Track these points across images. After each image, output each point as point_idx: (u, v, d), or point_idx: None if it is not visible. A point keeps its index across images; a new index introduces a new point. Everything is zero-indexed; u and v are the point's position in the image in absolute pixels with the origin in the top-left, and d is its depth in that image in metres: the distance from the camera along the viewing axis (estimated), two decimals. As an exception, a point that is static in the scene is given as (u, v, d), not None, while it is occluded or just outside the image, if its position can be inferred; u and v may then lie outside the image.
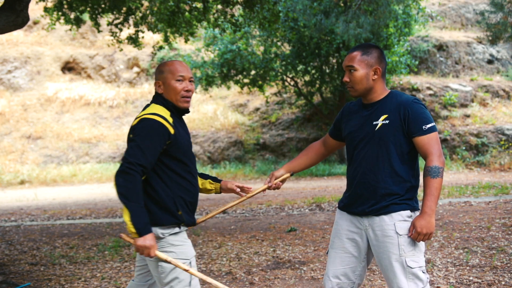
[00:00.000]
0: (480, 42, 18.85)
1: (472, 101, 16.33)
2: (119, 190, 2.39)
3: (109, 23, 9.50)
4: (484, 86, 16.85)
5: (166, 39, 10.08)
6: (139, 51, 18.44)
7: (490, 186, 9.67)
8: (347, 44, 13.75)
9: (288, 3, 12.91)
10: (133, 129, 2.50)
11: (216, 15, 9.46)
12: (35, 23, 22.20)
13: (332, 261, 2.68)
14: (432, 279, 4.14)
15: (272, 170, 15.48)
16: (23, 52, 21.21)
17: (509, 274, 4.13)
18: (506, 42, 16.37)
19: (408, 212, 2.53)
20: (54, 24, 9.54)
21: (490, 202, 7.83)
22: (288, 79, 16.18)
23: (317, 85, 15.73)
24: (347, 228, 2.67)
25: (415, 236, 2.45)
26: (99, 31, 9.76)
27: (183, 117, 2.74)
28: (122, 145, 17.79)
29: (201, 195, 12.21)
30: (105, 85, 21.14)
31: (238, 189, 2.85)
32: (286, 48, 15.75)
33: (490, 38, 12.67)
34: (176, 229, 2.56)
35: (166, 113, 2.58)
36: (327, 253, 2.77)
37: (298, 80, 16.14)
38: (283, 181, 2.87)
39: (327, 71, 15.59)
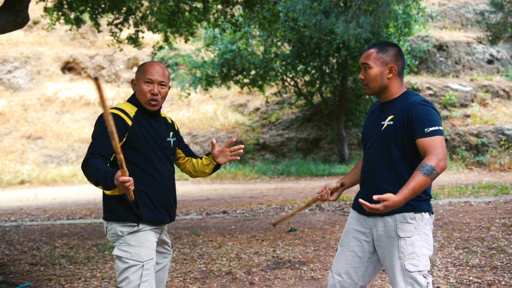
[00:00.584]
0: (480, 42, 18.85)
1: (472, 101, 16.33)
2: (87, 176, 2.44)
3: (109, 23, 9.50)
4: (484, 86, 16.85)
5: (166, 39, 10.08)
6: (139, 51, 18.46)
7: (490, 186, 9.67)
8: (347, 44, 13.76)
9: (288, 3, 12.91)
10: (94, 123, 2.59)
11: (216, 15, 9.46)
12: (35, 23, 22.20)
13: (337, 258, 2.69)
14: (432, 279, 4.15)
15: (272, 170, 15.51)
16: (23, 52, 21.21)
17: (509, 274, 4.13)
18: (506, 42, 16.38)
19: (411, 214, 2.48)
20: (54, 24, 9.55)
21: (490, 202, 7.83)
22: (288, 79, 16.18)
23: (317, 85, 15.73)
24: (355, 227, 2.67)
25: (370, 205, 2.25)
26: (99, 31, 9.76)
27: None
28: (122, 145, 17.78)
29: (201, 196, 12.15)
30: (105, 85, 21.14)
31: (228, 151, 2.80)
32: (286, 48, 15.75)
33: (490, 38, 12.67)
34: (135, 228, 2.53)
35: (130, 109, 2.62)
36: (336, 249, 2.78)
37: (298, 80, 16.14)
38: (334, 192, 2.76)
39: (327, 71, 15.59)
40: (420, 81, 16.81)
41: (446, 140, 15.12)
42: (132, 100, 2.69)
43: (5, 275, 4.86)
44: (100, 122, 2.54)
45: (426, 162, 2.35)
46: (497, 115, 15.70)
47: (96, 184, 2.39)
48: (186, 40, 10.00)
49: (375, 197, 2.26)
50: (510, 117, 15.56)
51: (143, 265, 2.50)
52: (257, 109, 18.70)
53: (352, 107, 16.10)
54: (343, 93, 15.56)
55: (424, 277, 2.45)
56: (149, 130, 2.61)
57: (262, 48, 15.64)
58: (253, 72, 15.50)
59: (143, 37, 10.14)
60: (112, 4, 8.49)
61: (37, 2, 9.16)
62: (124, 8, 8.99)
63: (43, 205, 10.98)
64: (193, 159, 2.88)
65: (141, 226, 2.55)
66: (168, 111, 19.46)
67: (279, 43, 15.54)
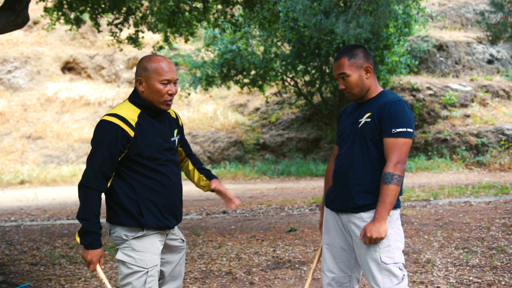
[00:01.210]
0: (480, 42, 18.85)
1: (472, 101, 16.33)
2: (79, 198, 2.44)
3: (109, 23, 9.50)
4: (484, 86, 16.85)
5: (166, 39, 10.08)
6: (139, 51, 18.41)
7: (490, 186, 9.66)
8: (347, 44, 13.75)
9: (288, 3, 12.90)
10: (94, 131, 2.47)
11: (216, 15, 9.46)
12: (35, 23, 22.20)
13: (325, 257, 2.72)
14: (432, 279, 4.15)
15: (272, 170, 15.50)
16: (23, 52, 21.20)
17: (509, 274, 4.13)
18: (506, 42, 16.36)
19: None
20: (54, 24, 9.54)
21: (490, 202, 7.83)
22: (288, 79, 16.18)
23: (317, 85, 15.73)
24: (333, 223, 2.70)
25: (366, 240, 2.46)
26: (99, 31, 9.76)
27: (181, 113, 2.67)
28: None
29: (201, 196, 12.17)
30: (105, 85, 21.14)
31: (224, 199, 2.73)
32: (286, 48, 15.75)
33: (490, 38, 12.67)
34: (140, 233, 2.47)
35: (133, 112, 2.47)
36: (321, 250, 2.81)
37: (298, 80, 16.14)
38: None
39: (327, 71, 15.58)
40: (420, 81, 16.80)
41: (446, 140, 15.12)
42: (135, 99, 2.52)
43: (5, 275, 4.86)
44: (102, 133, 2.42)
45: (384, 171, 2.44)
46: (497, 115, 15.70)
47: (77, 218, 2.43)
48: (186, 40, 10.00)
49: (359, 239, 2.50)
50: (510, 117, 15.56)
51: (147, 272, 2.45)
52: (257, 109, 18.70)
53: (352, 107, 16.09)
54: (343, 93, 15.55)
55: (400, 269, 2.49)
56: (153, 135, 2.49)
57: (262, 48, 15.64)
58: (253, 72, 15.50)
59: (143, 37, 10.14)
60: (112, 4, 8.49)
61: (37, 2, 9.16)
62: (124, 8, 8.99)
63: (43, 205, 10.98)
64: (190, 163, 2.80)
65: (146, 231, 2.49)
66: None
67: (279, 43, 15.54)
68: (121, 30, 9.54)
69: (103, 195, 2.48)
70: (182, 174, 2.76)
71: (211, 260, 5.18)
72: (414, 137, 2.53)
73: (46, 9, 9.21)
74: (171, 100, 2.52)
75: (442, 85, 16.71)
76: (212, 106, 19.33)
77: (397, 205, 2.58)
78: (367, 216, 2.53)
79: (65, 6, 8.81)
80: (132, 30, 10.22)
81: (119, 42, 10.06)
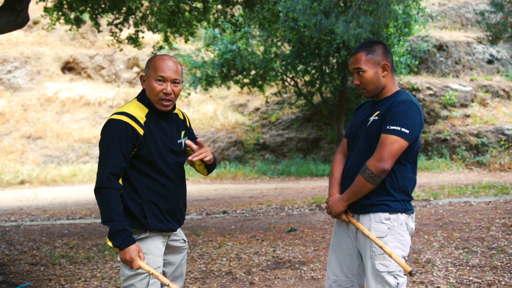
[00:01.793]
0: (480, 42, 18.85)
1: (472, 101, 16.33)
2: (98, 203, 2.38)
3: (109, 23, 9.50)
4: (484, 86, 16.85)
5: (166, 39, 10.08)
6: (139, 51, 18.44)
7: (490, 186, 9.66)
8: (347, 44, 13.75)
9: (288, 3, 12.90)
10: (102, 131, 2.43)
11: (216, 15, 9.46)
12: (35, 23, 22.20)
13: (330, 260, 2.68)
14: (432, 279, 4.15)
15: (272, 170, 15.50)
16: (23, 52, 21.20)
17: (509, 274, 4.13)
18: (506, 42, 16.37)
19: (386, 215, 2.46)
20: (54, 24, 9.55)
21: (490, 202, 7.83)
22: (288, 79, 16.18)
23: (317, 85, 15.73)
24: (340, 225, 2.66)
25: (325, 207, 2.58)
26: (99, 31, 9.76)
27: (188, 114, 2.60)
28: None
29: (201, 196, 12.15)
30: (105, 85, 21.14)
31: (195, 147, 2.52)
32: (286, 48, 15.75)
33: (490, 38, 12.67)
34: (143, 235, 2.45)
35: (141, 111, 2.43)
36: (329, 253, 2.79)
37: (298, 80, 16.14)
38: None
39: (327, 71, 15.59)
40: (420, 81, 16.81)
41: (446, 140, 15.11)
42: (143, 99, 2.48)
43: (5, 275, 4.86)
44: (111, 132, 2.38)
45: (366, 162, 2.42)
46: (497, 115, 15.70)
47: (104, 223, 2.36)
48: (186, 40, 10.00)
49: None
50: (510, 117, 15.55)
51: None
52: (257, 109, 18.69)
53: (352, 107, 16.09)
54: (343, 93, 15.56)
55: (395, 277, 2.44)
56: (161, 136, 2.45)
57: (262, 48, 15.63)
58: (253, 72, 15.50)
59: (143, 37, 10.14)
60: (112, 4, 8.49)
61: (37, 2, 9.16)
62: (124, 8, 8.99)
63: (43, 205, 10.97)
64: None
65: (149, 233, 2.47)
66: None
67: (279, 43, 15.54)
68: (121, 30, 9.54)
69: None
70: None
71: (211, 260, 5.18)
72: (411, 139, 2.40)
73: (46, 9, 9.21)
74: (168, 101, 2.44)
75: (442, 85, 16.71)
76: (212, 106, 19.33)
77: (405, 209, 2.49)
78: (374, 217, 2.47)
79: (65, 6, 8.82)
80: (132, 30, 10.22)
81: (119, 42, 10.06)
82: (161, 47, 10.48)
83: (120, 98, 20.02)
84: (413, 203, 8.40)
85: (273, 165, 15.99)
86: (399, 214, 2.48)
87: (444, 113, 15.84)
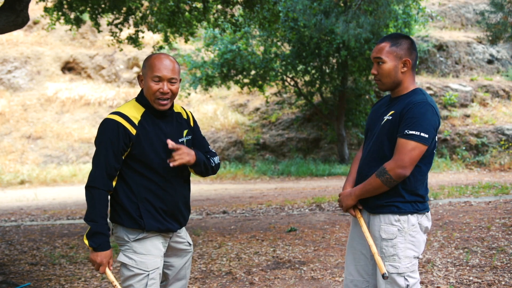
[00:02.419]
0: (480, 42, 18.85)
1: (472, 101, 16.33)
2: (86, 200, 2.43)
3: (109, 23, 9.50)
4: (484, 86, 16.85)
5: (166, 39, 10.08)
6: (139, 51, 18.43)
7: (490, 186, 9.66)
8: (347, 44, 13.76)
9: (288, 3, 12.91)
10: (97, 131, 2.45)
11: (216, 15, 9.46)
12: (35, 23, 22.20)
13: (346, 259, 2.68)
14: (432, 279, 4.15)
15: (272, 170, 15.50)
16: (23, 52, 21.21)
17: (509, 274, 4.13)
18: (506, 42, 16.38)
19: (396, 217, 2.43)
20: (54, 24, 9.55)
21: (490, 202, 7.83)
22: (288, 79, 16.18)
23: (317, 85, 15.73)
24: (355, 225, 2.65)
25: (338, 200, 2.63)
26: (99, 31, 9.76)
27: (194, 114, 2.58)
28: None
29: (201, 196, 12.12)
30: (105, 85, 21.14)
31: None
32: (286, 48, 15.75)
33: (490, 38, 12.68)
34: (140, 235, 2.44)
35: (136, 111, 2.43)
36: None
37: (298, 80, 16.14)
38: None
39: (327, 71, 15.59)
40: (420, 81, 16.81)
41: (446, 140, 15.11)
42: (140, 98, 2.47)
43: (5, 275, 4.86)
44: (104, 132, 2.40)
45: (384, 165, 2.38)
46: (497, 115, 15.70)
47: (85, 221, 2.40)
48: (186, 40, 10.01)
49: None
50: (510, 117, 15.56)
51: (148, 274, 2.43)
52: (257, 109, 18.70)
53: (352, 107, 16.10)
54: (343, 93, 15.56)
55: (405, 278, 2.42)
56: (158, 135, 2.43)
57: (262, 48, 15.64)
58: (253, 72, 15.50)
59: (143, 37, 10.14)
60: (112, 4, 8.49)
61: (37, 2, 9.16)
62: (124, 8, 8.99)
63: (43, 205, 10.97)
64: None
65: (147, 233, 2.46)
66: (168, 111, 19.42)
67: (279, 43, 15.54)
68: (121, 30, 9.54)
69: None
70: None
71: (211, 260, 5.18)
72: (429, 143, 2.36)
73: (46, 9, 9.21)
74: (165, 100, 2.41)
75: (442, 85, 16.71)
76: (212, 106, 19.33)
77: (416, 211, 2.45)
78: (384, 219, 2.46)
79: (65, 6, 8.82)
80: (132, 30, 10.22)
81: (119, 42, 10.06)
82: (161, 47, 10.48)
83: (120, 98, 20.02)
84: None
85: (273, 165, 15.98)
86: (409, 215, 2.44)
87: (444, 113, 15.84)
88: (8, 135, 18.62)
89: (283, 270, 4.69)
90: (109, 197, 2.45)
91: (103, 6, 8.67)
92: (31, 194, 13.05)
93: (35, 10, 19.31)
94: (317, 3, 12.73)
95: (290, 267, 4.77)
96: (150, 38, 19.25)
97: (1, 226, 8.16)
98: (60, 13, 9.10)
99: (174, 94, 2.44)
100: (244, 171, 15.68)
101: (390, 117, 2.44)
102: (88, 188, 2.40)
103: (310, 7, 12.34)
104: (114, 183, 2.44)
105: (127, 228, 2.45)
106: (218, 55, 15.35)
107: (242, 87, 16.04)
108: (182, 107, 2.67)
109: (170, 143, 2.39)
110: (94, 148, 2.50)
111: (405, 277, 2.42)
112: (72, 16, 9.28)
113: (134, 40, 9.88)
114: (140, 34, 9.94)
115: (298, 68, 15.48)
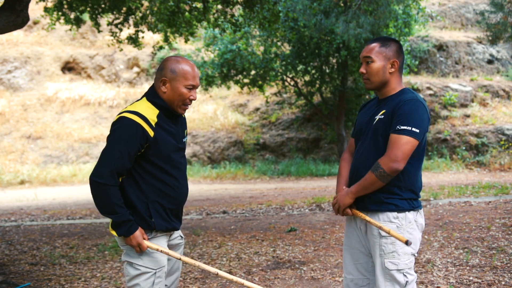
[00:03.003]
0: (480, 42, 18.85)
1: (472, 101, 16.33)
2: (96, 201, 2.42)
3: (109, 23, 9.50)
4: (484, 86, 16.85)
5: (166, 39, 10.08)
6: (139, 51, 18.45)
7: (490, 186, 9.66)
8: (347, 44, 13.76)
9: (288, 3, 12.91)
10: (112, 126, 2.45)
11: (216, 15, 9.46)
12: (35, 23, 22.20)
13: (345, 259, 2.71)
14: (432, 279, 4.15)
15: (272, 170, 15.49)
16: (23, 52, 21.20)
17: (509, 274, 4.13)
18: (506, 42, 16.37)
19: (394, 214, 2.49)
20: (54, 24, 9.55)
21: (490, 202, 7.83)
22: (288, 79, 16.18)
23: (317, 85, 15.73)
24: (350, 225, 2.69)
25: (332, 204, 2.62)
26: (99, 31, 9.76)
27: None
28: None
29: (201, 196, 12.14)
30: (105, 85, 21.14)
31: None
32: (286, 48, 15.75)
33: (490, 38, 12.68)
34: (149, 235, 2.48)
35: (152, 112, 2.46)
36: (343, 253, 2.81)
37: (298, 80, 16.14)
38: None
39: (327, 71, 15.58)
40: (420, 81, 16.81)
41: (446, 140, 15.11)
42: (153, 99, 2.50)
43: (5, 275, 4.86)
44: (122, 129, 2.39)
45: (378, 160, 2.44)
46: (497, 115, 15.70)
47: (104, 214, 2.41)
48: (186, 40, 10.01)
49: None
50: (510, 117, 15.55)
51: (155, 273, 2.45)
52: (257, 109, 18.69)
53: (352, 107, 16.10)
54: (343, 93, 15.56)
55: (404, 275, 2.47)
56: (169, 136, 2.50)
57: (262, 48, 15.64)
58: (253, 72, 15.50)
59: (143, 37, 10.15)
60: (112, 4, 8.49)
61: (37, 2, 9.16)
62: (124, 8, 9.00)
63: (43, 205, 10.97)
64: None
65: (154, 233, 2.50)
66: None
67: (279, 43, 15.54)
68: (121, 30, 9.54)
69: None
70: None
71: (211, 260, 5.18)
72: (421, 138, 2.44)
73: (46, 9, 9.22)
74: (188, 106, 2.55)
75: (442, 85, 16.71)
76: (212, 106, 19.32)
77: (412, 208, 2.51)
78: (383, 217, 2.50)
79: (65, 6, 8.82)
80: (132, 30, 10.22)
81: (119, 42, 10.06)
82: (161, 47, 10.48)
83: (120, 98, 20.02)
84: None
85: (273, 165, 15.98)
86: (407, 212, 2.51)
87: (444, 113, 15.84)
88: (8, 135, 18.62)
89: (283, 270, 4.69)
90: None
91: (103, 6, 8.67)
92: (31, 194, 13.05)
93: (35, 10, 19.31)
94: (317, 3, 12.72)
95: (290, 267, 4.77)
96: (150, 38, 19.25)
97: (1, 226, 8.16)
98: (60, 13, 9.11)
99: None
100: (244, 171, 15.68)
101: (382, 116, 2.52)
102: (97, 184, 2.37)
103: (310, 7, 12.34)
104: (120, 179, 2.47)
105: None
106: (218, 55, 15.35)
107: (242, 87, 16.04)
108: None
109: None
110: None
111: (404, 273, 2.47)
112: (72, 16, 9.28)
113: (134, 40, 9.89)
114: (140, 34, 9.94)
115: (298, 68, 15.48)
